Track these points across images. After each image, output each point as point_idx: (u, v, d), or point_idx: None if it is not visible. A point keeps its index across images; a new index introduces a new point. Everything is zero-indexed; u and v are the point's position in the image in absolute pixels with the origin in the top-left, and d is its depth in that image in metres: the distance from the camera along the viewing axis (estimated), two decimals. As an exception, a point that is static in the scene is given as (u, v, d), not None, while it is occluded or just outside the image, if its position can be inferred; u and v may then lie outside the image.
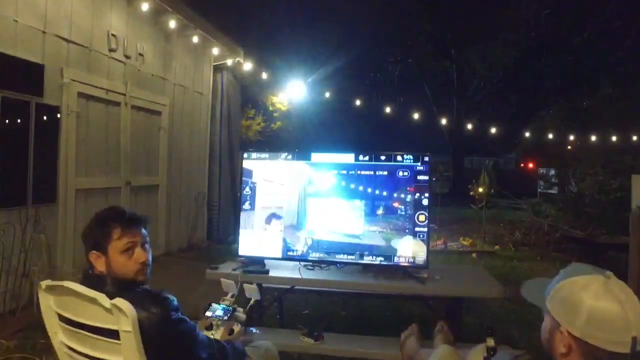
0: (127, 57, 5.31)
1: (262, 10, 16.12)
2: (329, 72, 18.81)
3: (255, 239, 2.97)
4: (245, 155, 3.06)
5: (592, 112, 12.77)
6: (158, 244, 6.20)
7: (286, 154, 2.97)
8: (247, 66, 7.84)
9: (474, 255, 7.48)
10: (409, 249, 2.75)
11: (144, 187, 5.79)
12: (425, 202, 2.77)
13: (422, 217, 2.77)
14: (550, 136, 12.30)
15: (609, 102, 12.39)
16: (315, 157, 2.94)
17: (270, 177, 2.97)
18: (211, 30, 6.67)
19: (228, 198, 7.96)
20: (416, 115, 14.92)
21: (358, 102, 14.37)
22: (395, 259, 2.77)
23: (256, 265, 2.94)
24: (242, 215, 3.00)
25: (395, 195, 2.79)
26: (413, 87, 20.89)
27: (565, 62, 16.69)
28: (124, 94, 5.28)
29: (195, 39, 6.48)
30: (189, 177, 6.98)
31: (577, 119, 13.42)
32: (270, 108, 20.90)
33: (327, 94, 13.70)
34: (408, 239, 2.76)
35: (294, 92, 13.22)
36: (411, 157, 2.81)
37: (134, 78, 5.46)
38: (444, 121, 19.50)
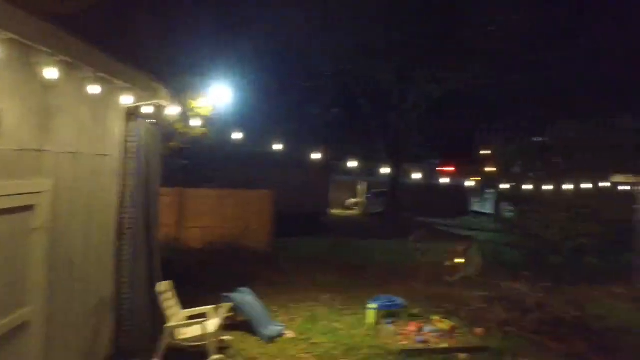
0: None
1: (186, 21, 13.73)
2: (259, 77, 16.94)
3: None
4: None
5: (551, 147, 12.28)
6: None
7: None
8: (174, 110, 5.70)
9: (462, 357, 6.05)
10: None
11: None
12: None
13: None
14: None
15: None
16: None
17: None
18: (113, 67, 4.44)
19: (145, 286, 5.81)
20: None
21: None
22: None
23: None
24: None
25: None
26: (350, 98, 19.64)
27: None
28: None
29: (92, 83, 4.21)
30: (84, 282, 4.72)
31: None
32: (190, 114, 18.50)
33: (255, 99, 12.04)
34: None
35: (218, 96, 11.22)
36: None
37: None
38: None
